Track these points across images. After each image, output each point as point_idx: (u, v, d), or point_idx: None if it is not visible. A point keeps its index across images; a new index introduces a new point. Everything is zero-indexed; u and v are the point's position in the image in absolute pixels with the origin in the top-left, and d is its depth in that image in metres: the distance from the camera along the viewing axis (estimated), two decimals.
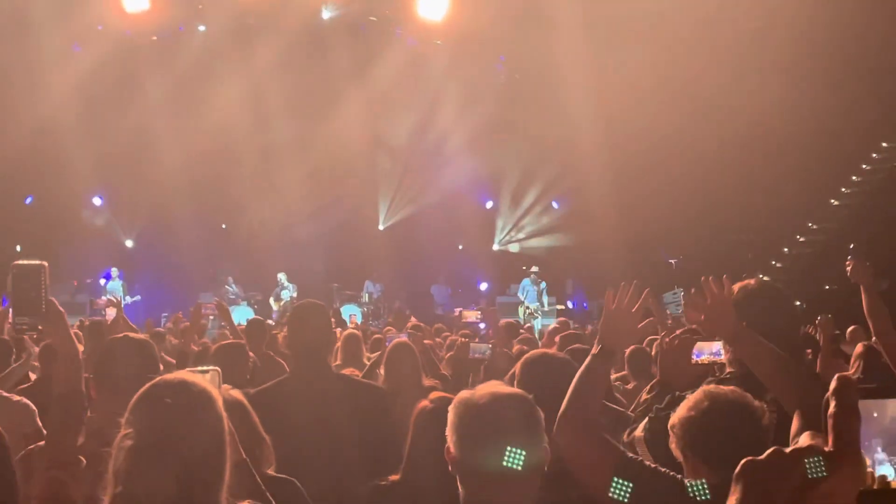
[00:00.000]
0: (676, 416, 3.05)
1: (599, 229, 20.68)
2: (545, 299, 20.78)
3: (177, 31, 22.23)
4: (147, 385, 2.60)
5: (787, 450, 1.13)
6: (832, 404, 1.11)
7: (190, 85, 21.72)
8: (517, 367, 4.02)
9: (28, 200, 23.44)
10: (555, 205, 24.41)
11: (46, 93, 20.44)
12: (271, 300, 21.93)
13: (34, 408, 6.37)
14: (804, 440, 1.14)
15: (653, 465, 3.10)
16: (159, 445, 2.44)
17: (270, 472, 3.58)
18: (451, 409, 2.68)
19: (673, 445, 3.04)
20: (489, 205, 24.95)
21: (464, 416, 2.63)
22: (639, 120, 19.45)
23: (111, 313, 10.90)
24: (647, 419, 3.76)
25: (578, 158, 21.59)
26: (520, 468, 2.50)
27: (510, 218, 24.59)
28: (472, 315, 13.31)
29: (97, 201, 23.90)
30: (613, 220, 20.23)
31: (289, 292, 21.62)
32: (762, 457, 1.14)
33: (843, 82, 18.27)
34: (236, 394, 3.62)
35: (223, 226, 24.49)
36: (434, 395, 3.93)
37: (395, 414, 4.81)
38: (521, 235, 24.69)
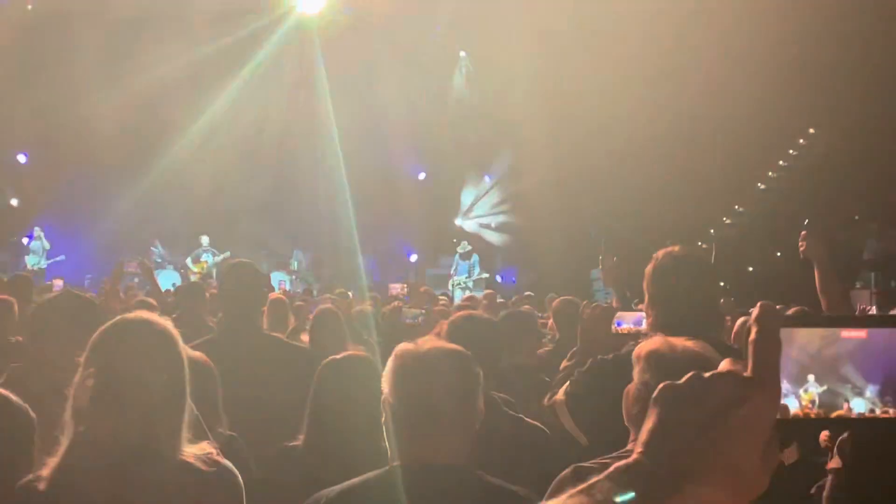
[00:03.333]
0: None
1: (535, 209, 20.79)
2: (475, 271, 20.84)
3: None
4: (107, 323, 2.58)
5: (706, 374, 1.15)
6: (753, 330, 1.13)
7: (122, 39, 21.29)
8: (444, 325, 4.07)
9: None
10: (487, 179, 24.49)
11: None
12: (188, 260, 21.59)
13: None
14: (723, 366, 1.16)
15: None
16: (123, 385, 2.42)
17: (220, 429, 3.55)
18: (392, 358, 2.67)
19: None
20: (421, 176, 24.90)
21: (403, 363, 2.63)
22: (573, 105, 19.61)
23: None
24: (568, 383, 3.84)
25: (518, 137, 21.69)
26: (447, 417, 2.53)
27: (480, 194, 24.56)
28: (397, 287, 13.41)
29: (21, 158, 23.36)
30: (549, 201, 20.34)
31: (209, 255, 21.38)
32: (680, 381, 1.16)
33: (769, 70, 18.52)
34: (197, 353, 3.56)
35: (149, 187, 24.16)
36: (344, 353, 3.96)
37: None
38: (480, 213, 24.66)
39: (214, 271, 20.15)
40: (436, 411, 2.55)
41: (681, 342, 2.87)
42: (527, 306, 8.76)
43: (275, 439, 3.87)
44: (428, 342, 2.71)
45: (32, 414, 2.60)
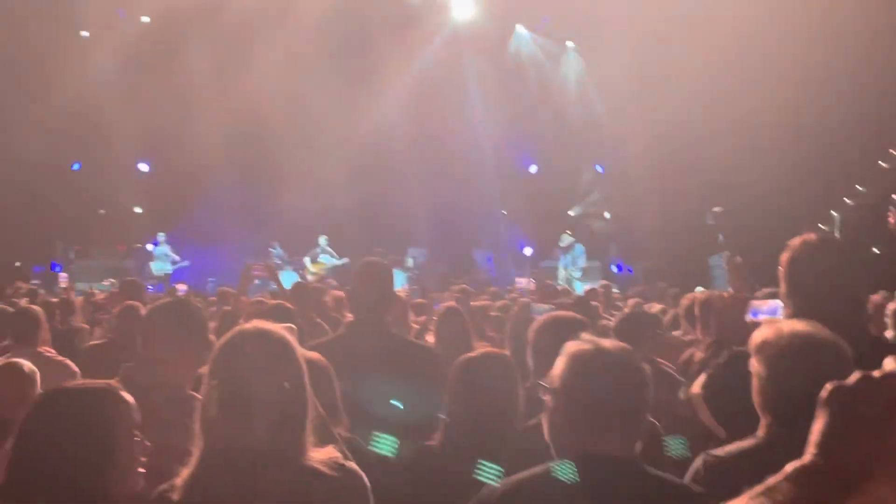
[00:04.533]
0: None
1: (648, 197, 20.51)
2: (579, 262, 20.67)
3: None
4: (227, 336, 2.66)
5: (875, 374, 1.13)
6: None
7: (234, 51, 21.79)
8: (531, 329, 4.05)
9: (76, 166, 23.64)
10: (599, 169, 24.32)
11: (91, 61, 20.59)
12: (307, 259, 21.97)
13: (75, 369, 6.56)
14: (889, 364, 1.14)
15: None
16: (247, 394, 2.50)
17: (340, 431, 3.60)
18: (564, 356, 2.73)
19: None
20: (533, 169, 24.85)
21: (576, 361, 2.69)
22: (685, 90, 19.29)
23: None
24: (705, 375, 3.78)
25: (629, 125, 21.46)
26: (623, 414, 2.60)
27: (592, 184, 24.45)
28: (523, 280, 13.38)
29: (144, 167, 24.07)
30: (662, 188, 20.07)
31: (328, 256, 21.72)
32: (848, 382, 1.14)
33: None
34: (313, 354, 3.63)
35: (269, 191, 24.65)
36: (479, 350, 3.98)
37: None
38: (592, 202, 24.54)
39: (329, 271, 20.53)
40: (612, 407, 2.62)
41: (788, 326, 2.85)
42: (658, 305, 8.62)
43: (404, 439, 3.91)
44: (594, 340, 2.76)
45: (135, 406, 2.68)
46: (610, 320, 7.08)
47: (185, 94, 21.68)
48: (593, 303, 8.96)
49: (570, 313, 4.70)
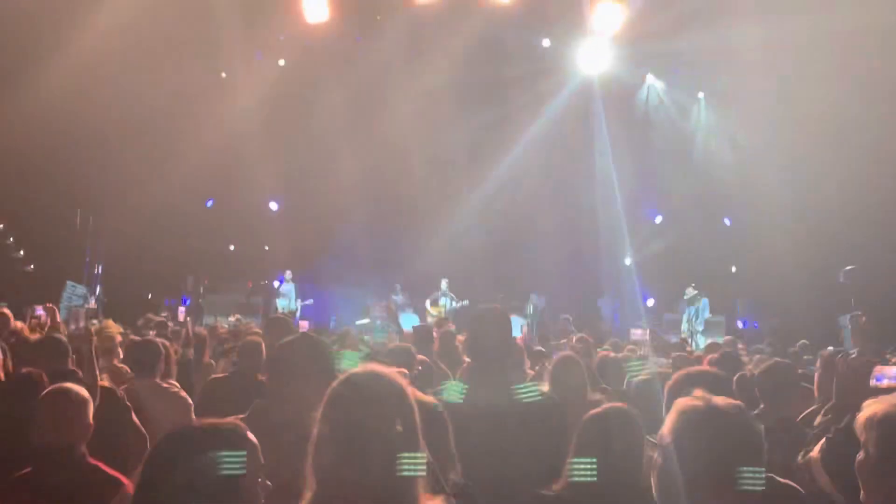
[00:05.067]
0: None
1: (777, 252, 20.01)
2: (703, 315, 20.31)
3: (354, 41, 22.65)
4: (339, 379, 2.67)
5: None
6: None
7: (363, 93, 22.21)
8: (668, 384, 3.97)
9: (209, 203, 24.36)
10: (727, 221, 23.91)
11: (229, 101, 21.24)
12: (427, 303, 22.14)
13: (189, 401, 6.73)
14: None
15: None
16: (362, 438, 2.51)
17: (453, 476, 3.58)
18: (675, 413, 2.68)
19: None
20: (658, 219, 24.58)
21: (688, 420, 2.63)
22: (815, 142, 18.90)
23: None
24: (824, 440, 3.68)
25: (751, 175, 21.08)
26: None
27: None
28: (638, 332, 13.17)
29: (273, 206, 24.67)
30: (793, 244, 19.57)
31: (448, 299, 21.83)
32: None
33: None
34: (427, 398, 3.63)
35: (390, 233, 25.01)
36: (607, 404, 3.95)
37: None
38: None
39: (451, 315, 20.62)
40: (726, 470, 2.55)
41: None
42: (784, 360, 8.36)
43: (518, 487, 3.89)
44: (705, 397, 2.70)
45: (258, 447, 2.68)
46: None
47: (319, 137, 22.20)
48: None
49: (708, 369, 4.63)
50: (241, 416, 3.51)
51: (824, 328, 17.69)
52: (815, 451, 3.72)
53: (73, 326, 6.18)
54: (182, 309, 16.98)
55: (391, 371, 2.72)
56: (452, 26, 20.76)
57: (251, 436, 2.67)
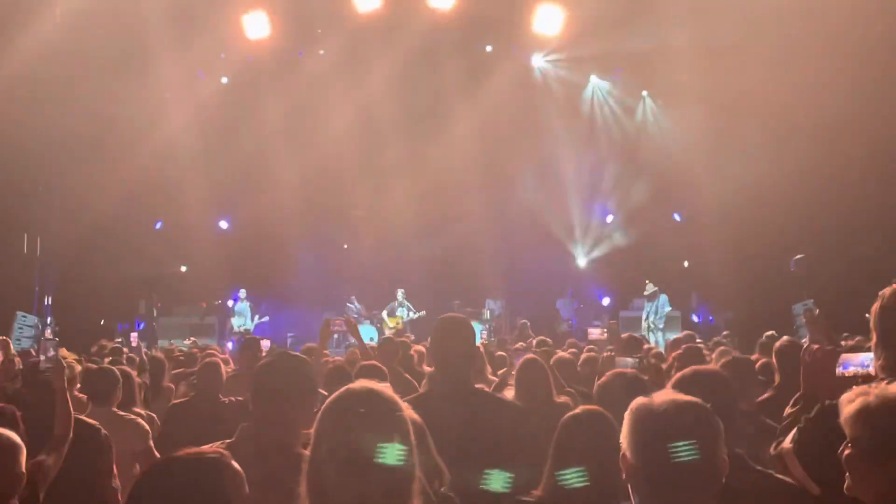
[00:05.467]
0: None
1: (728, 244, 20.20)
2: (663, 311, 20.43)
3: (296, 56, 22.58)
4: (334, 396, 2.64)
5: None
6: None
7: (307, 107, 22.14)
8: (670, 383, 3.93)
9: (157, 225, 24.14)
10: (677, 217, 24.08)
11: (173, 121, 21.09)
12: (384, 314, 22.10)
13: (146, 428, 6.63)
14: None
15: None
16: (361, 456, 2.48)
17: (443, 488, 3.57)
18: (628, 415, 2.64)
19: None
20: (609, 218, 24.72)
21: (641, 421, 2.60)
22: (755, 136, 19.17)
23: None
24: (796, 430, 3.69)
25: (698, 169, 21.28)
26: (693, 475, 2.48)
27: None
28: (596, 332, 13.23)
29: (224, 224, 24.50)
30: (743, 235, 19.76)
31: (404, 310, 21.82)
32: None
33: None
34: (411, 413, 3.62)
35: (345, 245, 24.92)
36: (581, 407, 3.95)
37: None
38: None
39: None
40: (679, 471, 2.51)
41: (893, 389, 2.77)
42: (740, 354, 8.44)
43: (496, 495, 3.87)
44: (664, 395, 2.67)
45: (243, 477, 2.57)
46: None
47: (264, 153, 22.11)
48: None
49: (710, 368, 4.64)
50: (229, 440, 3.45)
51: (779, 318, 17.86)
52: (787, 442, 3.73)
53: (42, 357, 6.00)
54: (134, 334, 16.78)
55: (384, 387, 2.69)
56: (393, 36, 20.77)
57: (235, 464, 2.59)
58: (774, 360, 6.55)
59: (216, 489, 2.49)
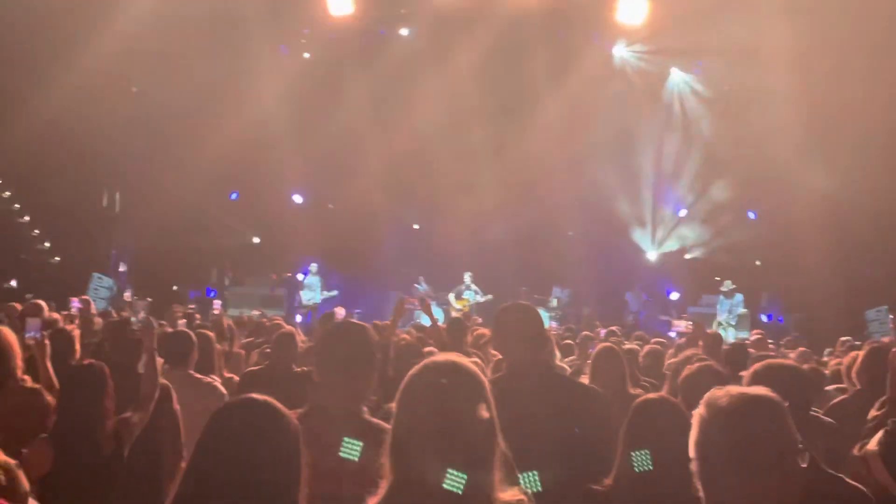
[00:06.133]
0: None
1: (802, 245, 19.85)
2: (738, 311, 20.14)
3: (378, 35, 22.64)
4: (417, 368, 2.65)
5: None
6: None
7: (390, 87, 22.22)
8: (747, 376, 3.89)
9: (233, 196, 24.40)
10: (751, 215, 23.74)
11: (255, 95, 21.28)
12: (451, 296, 22.10)
13: (223, 391, 6.74)
14: None
15: None
16: (446, 428, 2.49)
17: None
18: (702, 407, 2.60)
19: None
20: (682, 213, 24.44)
21: (713, 414, 2.55)
22: (846, 127, 18.78)
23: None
24: (882, 432, 3.64)
25: (780, 170, 20.92)
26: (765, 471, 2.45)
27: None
28: (681, 324, 13.04)
29: (298, 199, 24.70)
30: (818, 236, 19.40)
31: (472, 293, 21.79)
32: None
33: None
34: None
35: (415, 226, 24.99)
36: (649, 395, 3.91)
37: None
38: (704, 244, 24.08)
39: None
40: (751, 464, 2.47)
41: None
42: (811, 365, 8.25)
43: (568, 482, 3.86)
44: (737, 390, 2.62)
45: (299, 437, 2.58)
46: None
47: (343, 130, 22.21)
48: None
49: (785, 362, 4.60)
50: (300, 410, 3.48)
51: (850, 322, 17.57)
52: (873, 444, 3.67)
53: (133, 318, 6.13)
54: (218, 302, 16.95)
55: (467, 360, 2.69)
56: (476, 20, 20.72)
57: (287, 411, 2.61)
58: (860, 363, 6.38)
59: (285, 433, 2.53)
